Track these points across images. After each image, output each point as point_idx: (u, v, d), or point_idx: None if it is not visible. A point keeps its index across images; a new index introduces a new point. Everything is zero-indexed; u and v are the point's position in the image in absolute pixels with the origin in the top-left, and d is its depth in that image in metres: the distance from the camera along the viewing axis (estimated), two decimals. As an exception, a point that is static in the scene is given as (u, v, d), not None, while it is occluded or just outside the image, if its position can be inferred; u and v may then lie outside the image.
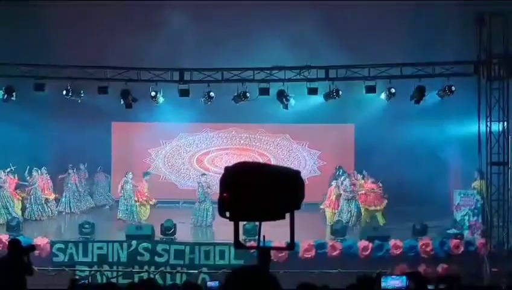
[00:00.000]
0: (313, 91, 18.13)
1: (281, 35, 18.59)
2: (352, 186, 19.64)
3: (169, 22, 19.08)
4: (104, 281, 15.89)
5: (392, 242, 16.76)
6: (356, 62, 17.98)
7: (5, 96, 18.36)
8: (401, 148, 21.46)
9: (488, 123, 16.18)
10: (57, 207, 21.98)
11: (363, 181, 20.53)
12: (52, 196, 21.77)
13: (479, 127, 16.13)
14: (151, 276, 15.81)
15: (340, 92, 18.30)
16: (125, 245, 16.56)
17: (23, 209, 20.61)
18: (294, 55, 18.28)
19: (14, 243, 10.13)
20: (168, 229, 17.28)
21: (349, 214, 19.26)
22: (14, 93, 18.35)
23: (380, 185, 20.06)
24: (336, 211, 19.59)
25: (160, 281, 15.41)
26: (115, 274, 16.30)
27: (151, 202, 20.95)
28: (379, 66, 17.73)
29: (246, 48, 18.89)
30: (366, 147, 22.47)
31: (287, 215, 3.35)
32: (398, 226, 18.35)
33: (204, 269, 16.20)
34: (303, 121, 22.66)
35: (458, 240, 16.91)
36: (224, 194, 3.23)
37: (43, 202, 21.14)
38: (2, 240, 16.32)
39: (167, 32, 18.93)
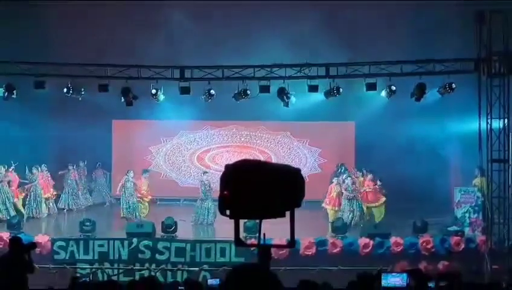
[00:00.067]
0: (313, 89, 18.11)
1: (281, 33, 18.59)
2: (353, 185, 19.65)
3: (170, 20, 19.09)
4: (105, 278, 15.90)
5: (392, 239, 16.77)
6: (357, 59, 17.97)
7: (6, 94, 18.36)
8: (401, 145, 21.48)
9: (489, 120, 16.16)
10: (57, 204, 22.02)
11: (362, 179, 20.55)
12: (53, 194, 21.81)
13: (479, 124, 16.11)
14: (152, 273, 15.83)
15: (341, 90, 18.29)
16: (126, 243, 16.58)
17: (24, 206, 20.62)
18: (294, 53, 18.28)
19: (15, 241, 10.14)
20: (169, 227, 17.29)
21: (351, 214, 19.28)
22: (14, 91, 18.35)
23: (379, 182, 20.06)
24: (337, 208, 19.60)
25: (161, 279, 15.41)
26: (115, 272, 16.32)
27: (146, 199, 20.98)
28: (379, 64, 17.73)
29: (246, 46, 18.89)
30: (366, 144, 22.48)
31: (287, 213, 3.35)
32: (399, 224, 18.34)
33: (205, 267, 16.21)
34: (303, 119, 22.66)
35: (459, 237, 16.92)
36: (225, 192, 3.24)
37: (43, 199, 21.17)
38: (3, 237, 16.33)
39: (168, 30, 18.95)
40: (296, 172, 3.38)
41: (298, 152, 25.17)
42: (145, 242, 16.54)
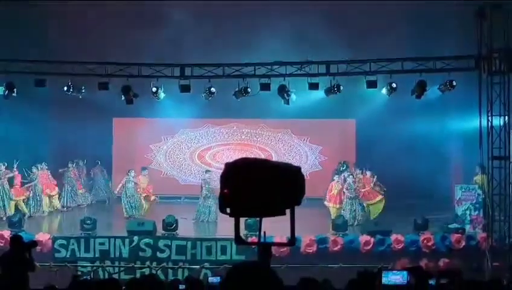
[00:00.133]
0: (314, 86, 18.11)
1: (282, 31, 18.57)
2: (355, 184, 19.65)
3: (170, 18, 19.07)
4: (106, 276, 15.90)
5: (393, 237, 16.76)
6: (357, 57, 17.96)
7: (6, 92, 18.36)
8: (402, 143, 21.48)
9: (489, 117, 16.14)
10: (59, 202, 22.05)
11: (361, 176, 20.54)
12: (54, 192, 21.83)
13: (480, 121, 16.09)
14: (153, 271, 15.84)
15: (341, 87, 18.29)
16: (127, 241, 16.57)
17: (25, 205, 20.66)
18: (295, 51, 18.28)
19: (16, 239, 10.17)
20: (170, 225, 17.29)
21: (353, 213, 19.30)
22: (14, 90, 18.35)
23: (374, 179, 20.07)
24: (338, 205, 19.62)
25: (162, 277, 15.42)
26: (116, 270, 16.33)
27: (148, 197, 21.07)
28: (380, 61, 17.72)
29: (246, 44, 18.87)
30: (367, 142, 22.50)
31: (288, 211, 3.35)
32: (400, 221, 18.34)
33: (206, 265, 16.21)
34: (304, 116, 22.66)
35: (460, 235, 16.91)
36: (225, 190, 3.23)
37: (44, 197, 21.21)
38: (3, 236, 16.35)
39: (168, 28, 18.91)
40: (297, 170, 3.38)
41: (299, 150, 25.18)
42: (146, 240, 16.54)
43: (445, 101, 19.77)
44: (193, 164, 25.30)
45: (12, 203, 20.20)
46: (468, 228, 17.78)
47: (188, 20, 19.27)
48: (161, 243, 16.58)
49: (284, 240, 3.86)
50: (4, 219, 19.38)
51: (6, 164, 20.23)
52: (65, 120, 22.20)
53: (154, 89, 18.67)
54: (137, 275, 14.95)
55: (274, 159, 23.69)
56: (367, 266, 11.77)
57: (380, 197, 19.97)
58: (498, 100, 16.04)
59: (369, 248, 16.64)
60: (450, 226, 17.51)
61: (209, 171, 21.07)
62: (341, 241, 16.76)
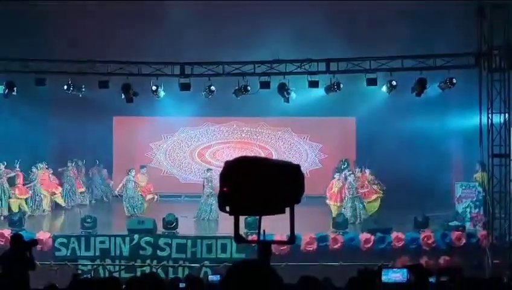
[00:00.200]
0: (313, 84, 18.10)
1: (282, 29, 18.54)
2: (356, 183, 19.66)
3: (170, 16, 19.04)
4: (107, 275, 15.91)
5: (394, 235, 16.76)
6: (357, 55, 17.95)
7: (6, 91, 18.35)
8: (402, 141, 21.47)
9: (490, 115, 16.13)
10: (64, 201, 22.09)
11: (360, 174, 20.55)
12: (57, 191, 21.84)
13: (480, 119, 16.08)
14: (154, 270, 15.84)
15: (341, 85, 18.28)
16: (127, 239, 16.58)
17: (26, 204, 20.69)
18: (295, 48, 18.26)
19: (16, 238, 10.17)
20: (170, 223, 17.30)
21: (355, 212, 19.32)
22: (15, 88, 18.34)
23: (371, 176, 20.10)
24: (339, 203, 19.64)
25: (162, 275, 15.42)
26: (117, 268, 16.33)
27: (148, 195, 21.11)
28: (380, 59, 17.71)
29: (246, 42, 18.86)
30: (367, 139, 22.50)
31: (287, 209, 3.35)
32: (400, 219, 18.34)
33: (207, 263, 16.22)
34: (304, 114, 22.65)
35: (460, 232, 16.91)
36: (224, 189, 3.23)
37: (44, 197, 21.23)
38: (4, 234, 16.35)
39: (168, 26, 18.89)
40: (296, 168, 3.38)
41: (299, 148, 25.18)
42: (147, 238, 16.54)
43: (446, 99, 19.77)
44: (193, 162, 25.30)
45: (12, 201, 20.20)
46: (468, 225, 17.81)
47: (188, 19, 19.25)
48: (161, 242, 16.58)
49: (285, 238, 3.86)
50: (2, 218, 19.42)
51: (5, 163, 20.23)
52: (65, 119, 22.19)
53: (154, 88, 18.68)
54: (138, 274, 14.94)
55: (274, 157, 23.72)
56: (367, 264, 11.78)
57: (375, 195, 19.99)
58: (498, 97, 16.03)
59: (369, 245, 16.64)
60: (450, 223, 17.52)
61: (210, 169, 21.07)
62: (341, 240, 16.76)
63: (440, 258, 16.04)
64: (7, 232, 16.37)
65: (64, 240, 16.64)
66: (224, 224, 17.11)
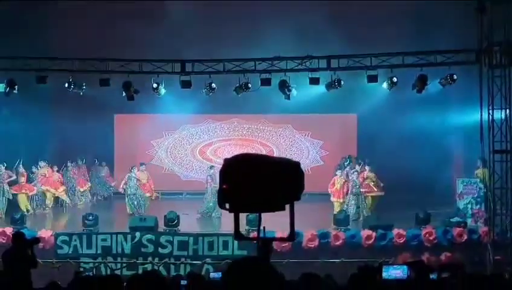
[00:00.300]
0: (314, 81, 18.10)
1: (282, 26, 18.54)
2: (359, 180, 19.65)
3: (171, 14, 19.05)
4: (108, 272, 15.92)
5: (395, 231, 16.76)
6: (358, 51, 17.94)
7: (7, 89, 18.36)
8: (403, 137, 21.48)
9: (490, 111, 16.11)
10: (69, 199, 22.14)
11: (359, 171, 20.53)
12: (60, 189, 21.86)
13: (481, 115, 16.06)
14: (155, 267, 15.85)
15: (342, 82, 18.27)
16: (129, 237, 16.58)
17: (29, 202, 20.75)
18: (295, 46, 18.25)
19: (18, 236, 10.18)
20: (172, 221, 17.31)
21: (358, 210, 19.34)
22: (16, 87, 18.35)
23: (371, 173, 20.11)
24: (342, 200, 19.65)
25: (164, 273, 15.44)
26: (119, 266, 16.35)
27: (149, 193, 21.16)
28: (381, 55, 17.71)
29: (247, 40, 18.86)
30: (368, 136, 22.50)
31: (287, 206, 3.36)
32: (401, 215, 18.34)
33: (208, 260, 16.22)
34: (305, 111, 22.67)
35: (461, 229, 16.90)
36: (224, 186, 3.24)
37: (46, 195, 21.27)
38: (6, 233, 16.37)
39: (168, 23, 18.90)
40: (296, 165, 3.39)
41: (300, 145, 25.19)
42: (148, 236, 16.55)
43: (446, 95, 19.75)
44: (194, 159, 25.32)
45: (21, 195, 20.18)
46: (469, 221, 17.79)
47: (189, 16, 19.25)
48: (163, 239, 16.59)
49: (286, 235, 3.86)
50: (2, 217, 19.52)
51: (5, 164, 20.21)
52: (66, 117, 22.21)
53: (155, 85, 18.69)
54: (140, 271, 14.95)
55: (275, 154, 23.74)
56: (369, 261, 11.80)
57: (371, 193, 19.98)
58: (499, 94, 16.01)
59: (370, 242, 16.63)
60: (451, 220, 17.51)
61: (213, 166, 21.06)
62: (343, 236, 16.76)
63: (441, 255, 16.04)
64: (9, 230, 16.39)
65: (66, 238, 16.65)
66: (227, 221, 17.10)
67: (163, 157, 25.34)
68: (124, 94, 18.79)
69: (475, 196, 18.42)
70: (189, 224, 18.22)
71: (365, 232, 16.80)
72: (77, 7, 19.44)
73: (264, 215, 3.43)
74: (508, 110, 16.03)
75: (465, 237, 16.74)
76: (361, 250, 16.40)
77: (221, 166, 3.37)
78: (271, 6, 19.47)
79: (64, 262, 16.08)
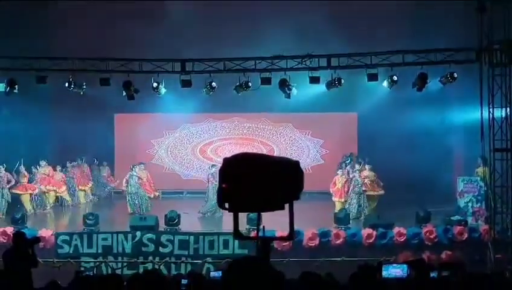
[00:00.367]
0: (315, 80, 18.08)
1: (283, 25, 18.54)
2: (361, 179, 19.66)
3: (171, 13, 19.05)
4: (109, 272, 15.92)
5: (395, 230, 16.76)
6: (358, 50, 17.92)
7: (7, 89, 18.36)
8: (404, 135, 21.48)
9: (491, 109, 16.11)
10: (70, 199, 22.16)
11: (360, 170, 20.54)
12: (62, 189, 21.87)
13: (481, 113, 16.06)
14: (156, 266, 15.85)
15: (342, 81, 18.25)
16: (129, 236, 16.59)
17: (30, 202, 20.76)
18: (296, 44, 18.24)
19: (18, 236, 10.17)
20: (172, 220, 17.31)
21: (359, 208, 19.34)
22: (16, 86, 18.35)
23: (371, 172, 20.12)
24: (343, 199, 19.64)
25: (164, 272, 15.45)
26: (119, 265, 16.35)
27: (149, 193, 21.19)
28: (381, 54, 17.68)
29: (247, 39, 18.85)
30: (369, 135, 22.49)
31: (286, 205, 3.36)
32: (402, 214, 18.34)
33: (209, 259, 16.22)
34: (305, 110, 22.66)
35: (462, 227, 16.90)
36: (223, 185, 3.24)
37: (46, 195, 21.29)
38: (6, 232, 16.38)
39: (168, 23, 18.91)
40: (295, 165, 3.38)
41: (300, 144, 25.18)
42: (149, 235, 16.56)
43: (447, 94, 19.76)
44: (195, 158, 25.32)
45: (25, 195, 20.20)
46: (470, 220, 17.79)
47: (189, 16, 19.24)
48: (164, 238, 16.60)
49: (285, 234, 3.86)
50: (3, 216, 19.54)
51: (5, 165, 20.19)
52: (66, 116, 22.21)
53: (155, 85, 18.67)
54: (140, 271, 14.95)
55: (276, 153, 23.74)
56: (369, 259, 11.79)
57: (369, 193, 19.98)
58: (499, 92, 16.01)
59: (371, 241, 16.64)
60: (452, 218, 17.51)
61: (215, 165, 21.04)
62: (343, 235, 16.76)
63: (442, 253, 16.03)
64: (10, 229, 16.39)
65: (67, 238, 16.66)
66: (228, 220, 17.05)
67: (163, 156, 25.34)
68: (124, 94, 18.77)
69: (476, 194, 18.41)
70: (189, 223, 18.22)
71: (366, 231, 16.80)
72: (77, 7, 19.46)
73: (264, 215, 3.43)
74: (508, 109, 16.03)
75: (466, 235, 16.74)
76: (362, 249, 16.40)
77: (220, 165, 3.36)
78: (271, 6, 19.48)
79: (65, 262, 16.09)
